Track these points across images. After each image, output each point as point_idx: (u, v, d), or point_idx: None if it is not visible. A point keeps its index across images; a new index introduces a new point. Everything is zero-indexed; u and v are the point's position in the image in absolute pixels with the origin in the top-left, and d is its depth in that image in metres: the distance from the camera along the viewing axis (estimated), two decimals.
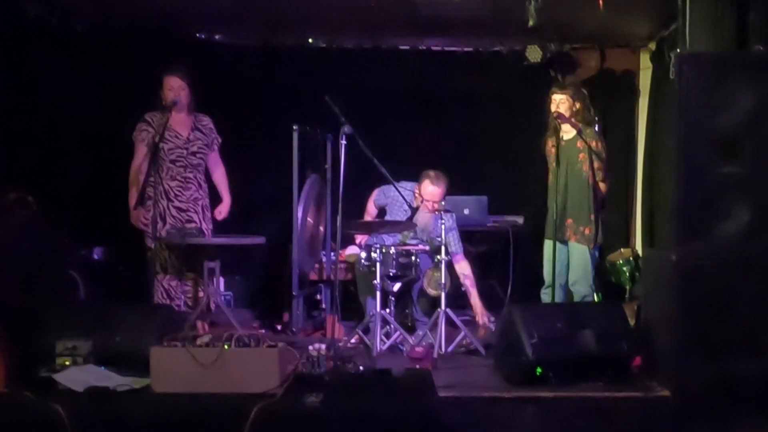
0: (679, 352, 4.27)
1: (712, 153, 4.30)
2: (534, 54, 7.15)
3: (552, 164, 5.75)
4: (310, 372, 4.30)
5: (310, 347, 4.40)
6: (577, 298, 5.68)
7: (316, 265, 6.77)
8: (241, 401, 3.83)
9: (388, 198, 6.31)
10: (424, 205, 6.08)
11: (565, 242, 5.72)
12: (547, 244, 5.77)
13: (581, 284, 5.69)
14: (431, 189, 6.02)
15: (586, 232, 5.66)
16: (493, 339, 5.19)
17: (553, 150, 5.69)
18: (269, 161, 6.93)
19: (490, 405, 4.17)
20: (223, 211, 5.97)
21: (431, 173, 6.02)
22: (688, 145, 4.32)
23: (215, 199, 6.00)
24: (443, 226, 5.48)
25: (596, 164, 5.67)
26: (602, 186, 5.77)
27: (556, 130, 5.69)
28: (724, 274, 4.26)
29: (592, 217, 5.67)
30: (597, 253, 5.85)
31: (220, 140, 5.95)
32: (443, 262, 5.43)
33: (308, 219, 6.34)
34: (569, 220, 5.66)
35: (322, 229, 6.75)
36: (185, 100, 5.75)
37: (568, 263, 5.74)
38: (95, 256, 6.63)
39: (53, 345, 4.27)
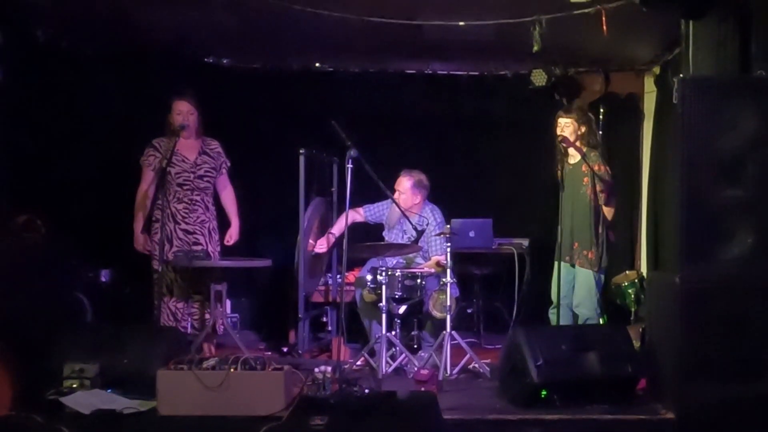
0: (684, 375, 4.28)
1: (716, 176, 4.34)
2: (539, 78, 7.17)
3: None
4: (316, 394, 4.29)
5: (316, 369, 4.40)
6: (580, 321, 5.67)
7: (322, 288, 6.78)
8: (246, 424, 3.83)
9: (379, 216, 6.36)
10: (396, 197, 6.13)
11: (573, 265, 5.72)
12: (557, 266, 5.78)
13: (585, 307, 5.67)
14: (401, 179, 6.20)
15: (590, 256, 5.63)
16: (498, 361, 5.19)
17: (559, 173, 5.71)
18: (276, 184, 6.98)
19: (495, 427, 4.18)
20: (232, 235, 5.98)
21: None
22: (692, 168, 4.35)
23: (224, 222, 6.02)
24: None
25: (598, 187, 5.62)
26: (606, 210, 5.72)
27: (562, 154, 5.72)
28: (728, 297, 4.28)
29: (596, 241, 5.64)
30: (602, 277, 5.80)
31: (228, 163, 5.98)
32: (449, 284, 5.45)
33: (310, 241, 6.35)
34: (575, 244, 5.66)
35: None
36: (194, 125, 5.80)
37: (574, 285, 5.74)
38: (102, 279, 6.64)
39: (60, 367, 4.29)
